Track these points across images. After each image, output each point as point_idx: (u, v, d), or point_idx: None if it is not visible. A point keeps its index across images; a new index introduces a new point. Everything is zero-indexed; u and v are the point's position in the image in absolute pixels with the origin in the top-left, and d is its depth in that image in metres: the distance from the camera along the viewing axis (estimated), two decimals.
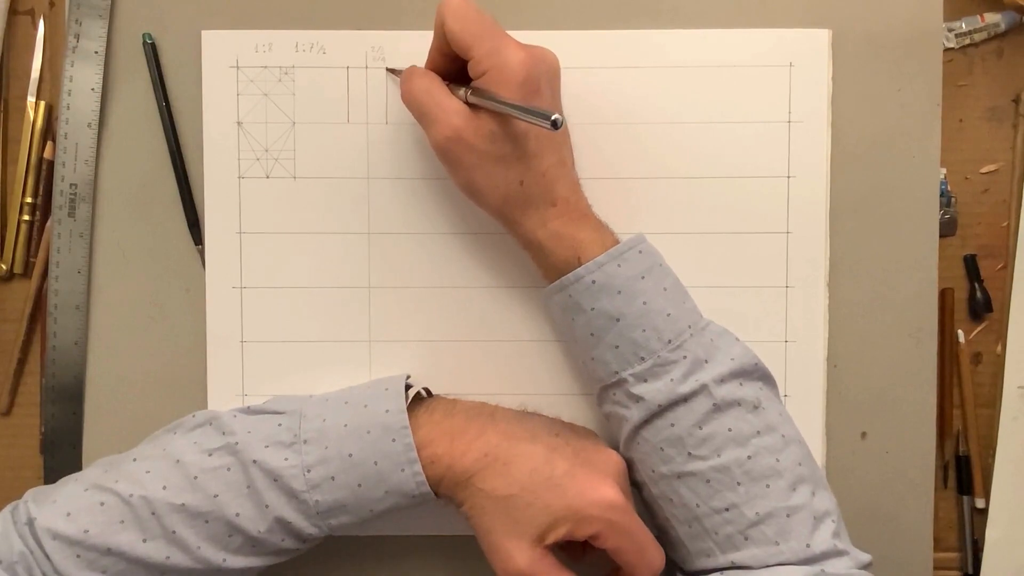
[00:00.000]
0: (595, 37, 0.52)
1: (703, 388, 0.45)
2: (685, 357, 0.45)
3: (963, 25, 0.55)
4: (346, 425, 0.46)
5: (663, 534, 0.48)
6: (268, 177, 0.53)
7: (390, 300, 0.53)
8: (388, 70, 0.52)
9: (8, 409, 0.56)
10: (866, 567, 0.44)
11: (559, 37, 0.52)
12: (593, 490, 0.45)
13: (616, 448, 0.48)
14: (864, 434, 0.54)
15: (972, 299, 0.56)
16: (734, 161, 0.53)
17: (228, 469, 0.45)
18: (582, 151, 0.52)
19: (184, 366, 0.54)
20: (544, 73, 0.46)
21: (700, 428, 0.44)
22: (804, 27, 0.53)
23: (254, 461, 0.45)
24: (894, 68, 0.53)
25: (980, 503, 0.56)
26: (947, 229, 0.55)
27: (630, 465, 0.48)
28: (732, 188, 0.53)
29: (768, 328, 0.53)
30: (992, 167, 0.56)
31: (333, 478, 0.45)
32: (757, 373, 0.46)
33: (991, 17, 0.55)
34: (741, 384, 0.45)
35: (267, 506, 0.45)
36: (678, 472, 0.45)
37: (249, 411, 0.49)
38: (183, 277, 0.54)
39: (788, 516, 0.44)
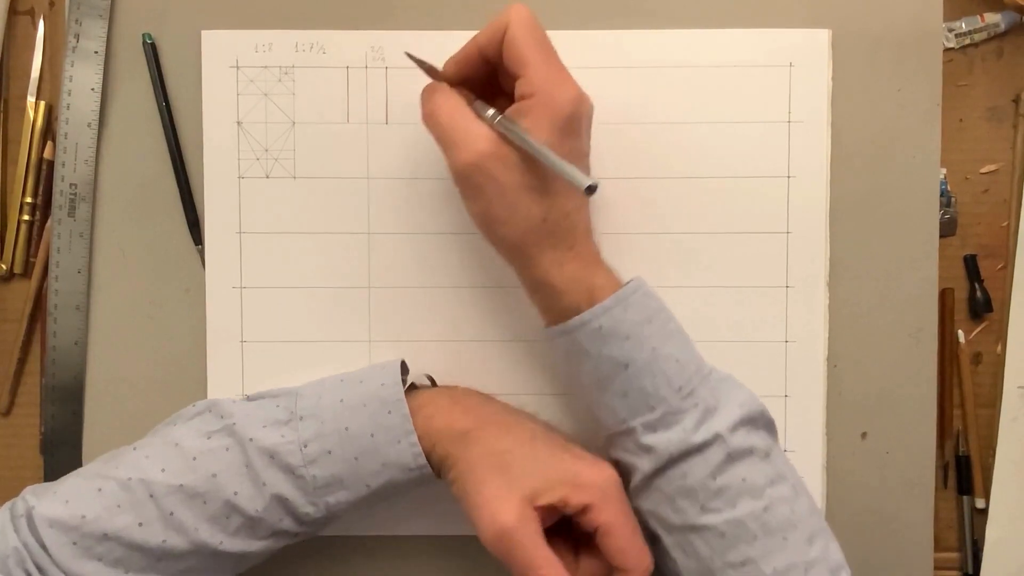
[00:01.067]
0: (595, 37, 0.52)
1: (717, 437, 0.43)
2: (696, 405, 0.44)
3: (963, 25, 0.55)
4: (342, 400, 0.46)
5: None
6: (268, 177, 0.53)
7: (390, 300, 0.53)
8: (409, 55, 0.48)
9: (8, 409, 0.56)
10: None
11: (559, 37, 0.52)
12: (592, 463, 0.45)
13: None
14: (864, 434, 0.54)
15: (972, 299, 0.56)
16: (734, 161, 0.53)
17: (227, 449, 0.46)
18: None
19: (184, 366, 0.54)
20: (586, 116, 0.45)
21: (714, 479, 0.43)
22: (804, 27, 0.53)
23: (251, 439, 0.45)
24: (894, 68, 0.53)
25: (980, 503, 0.56)
26: (947, 229, 0.55)
27: (640, 515, 0.46)
28: (732, 188, 0.53)
29: (768, 328, 0.53)
30: (992, 167, 0.56)
31: (330, 452, 0.45)
32: (763, 420, 0.45)
33: (991, 17, 0.55)
34: (751, 431, 0.44)
35: (264, 484, 0.45)
36: (692, 524, 0.43)
37: (248, 398, 0.49)
38: (183, 277, 0.54)
39: (806, 571, 0.42)
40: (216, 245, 0.53)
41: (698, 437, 0.43)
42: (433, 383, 0.51)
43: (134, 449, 0.47)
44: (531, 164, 0.43)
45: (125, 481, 0.45)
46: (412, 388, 0.48)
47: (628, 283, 0.45)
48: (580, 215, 0.45)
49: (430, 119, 0.45)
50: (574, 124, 0.44)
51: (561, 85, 0.44)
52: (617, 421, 0.45)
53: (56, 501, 0.44)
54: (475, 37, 0.45)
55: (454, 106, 0.45)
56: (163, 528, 0.44)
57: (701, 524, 0.43)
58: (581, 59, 0.52)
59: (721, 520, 0.43)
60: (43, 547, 0.43)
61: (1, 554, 0.43)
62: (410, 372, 0.50)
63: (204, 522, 0.45)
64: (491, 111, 0.44)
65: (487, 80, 0.46)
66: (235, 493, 0.45)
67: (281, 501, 0.45)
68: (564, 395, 0.53)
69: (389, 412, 0.46)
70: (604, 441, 0.47)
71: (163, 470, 0.45)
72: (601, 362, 0.44)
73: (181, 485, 0.45)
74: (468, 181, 0.44)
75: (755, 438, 0.44)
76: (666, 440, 0.43)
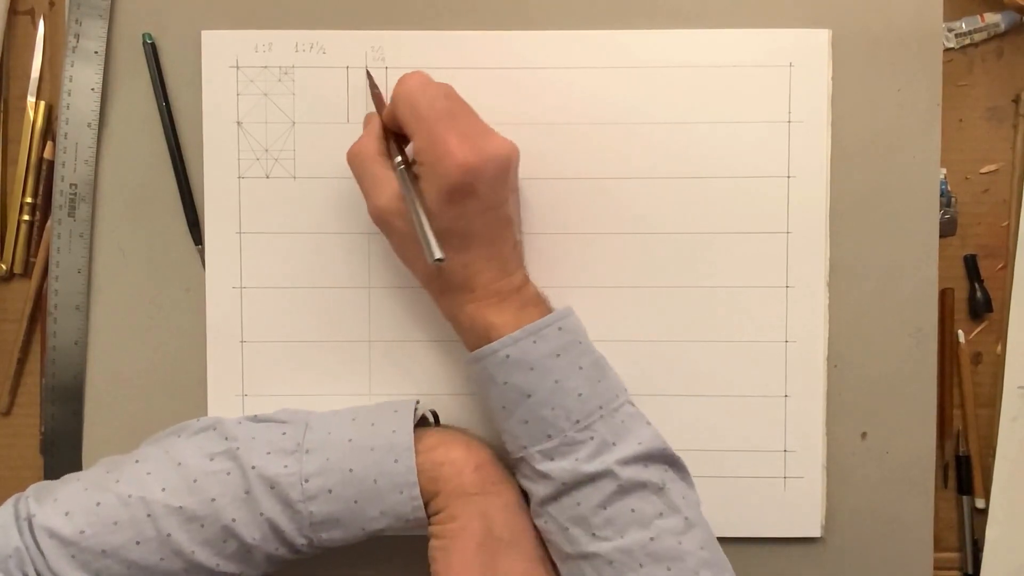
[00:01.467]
0: (595, 37, 0.52)
1: (608, 470, 0.44)
2: (592, 438, 0.45)
3: (963, 25, 0.55)
4: (351, 440, 0.46)
5: None
6: (268, 177, 0.53)
7: (390, 300, 0.53)
8: (368, 74, 0.52)
9: (8, 409, 0.56)
10: None
11: (558, 37, 0.52)
12: None
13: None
14: (864, 434, 0.54)
15: (972, 299, 0.56)
16: (734, 161, 0.53)
17: (228, 473, 0.45)
18: (582, 152, 0.52)
19: (184, 366, 0.54)
20: (486, 176, 0.45)
21: (604, 508, 0.44)
22: (804, 27, 0.53)
23: (253, 467, 0.45)
24: (894, 68, 0.53)
25: (980, 503, 0.56)
26: (947, 229, 0.55)
27: (543, 538, 0.48)
28: (732, 188, 0.53)
29: (768, 328, 0.53)
30: (992, 167, 0.56)
31: (330, 491, 0.45)
32: (662, 457, 0.46)
33: (991, 17, 0.55)
34: (646, 466, 0.45)
35: (262, 513, 0.45)
36: (582, 552, 0.45)
37: (255, 419, 0.49)
38: (183, 277, 0.54)
39: None
40: (216, 245, 0.53)
41: (590, 468, 0.44)
42: (437, 420, 0.52)
43: (136, 462, 0.47)
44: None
45: (125, 498, 0.45)
46: (423, 422, 0.49)
47: (548, 316, 0.46)
48: (482, 264, 0.47)
49: (350, 161, 0.48)
50: (464, 190, 0.45)
51: (444, 157, 0.44)
52: (518, 447, 0.47)
53: (56, 511, 0.44)
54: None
55: (370, 154, 0.47)
56: (160, 548, 0.44)
57: (591, 552, 0.44)
58: (581, 59, 0.52)
59: (610, 548, 0.44)
60: (43, 556, 0.44)
61: (3, 553, 0.43)
62: (419, 407, 0.50)
63: (201, 545, 0.45)
64: (399, 158, 0.47)
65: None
66: (233, 520, 0.45)
67: (276, 531, 0.45)
68: None
69: (396, 460, 0.46)
70: (512, 466, 0.49)
71: (163, 489, 0.45)
72: (507, 390, 0.46)
73: (180, 507, 0.45)
74: (379, 225, 0.48)
75: (649, 473, 0.45)
76: (560, 468, 0.45)
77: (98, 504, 0.45)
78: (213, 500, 0.45)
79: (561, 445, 0.45)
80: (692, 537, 0.45)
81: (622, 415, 0.46)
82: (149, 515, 0.44)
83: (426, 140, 0.45)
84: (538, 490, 0.46)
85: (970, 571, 0.56)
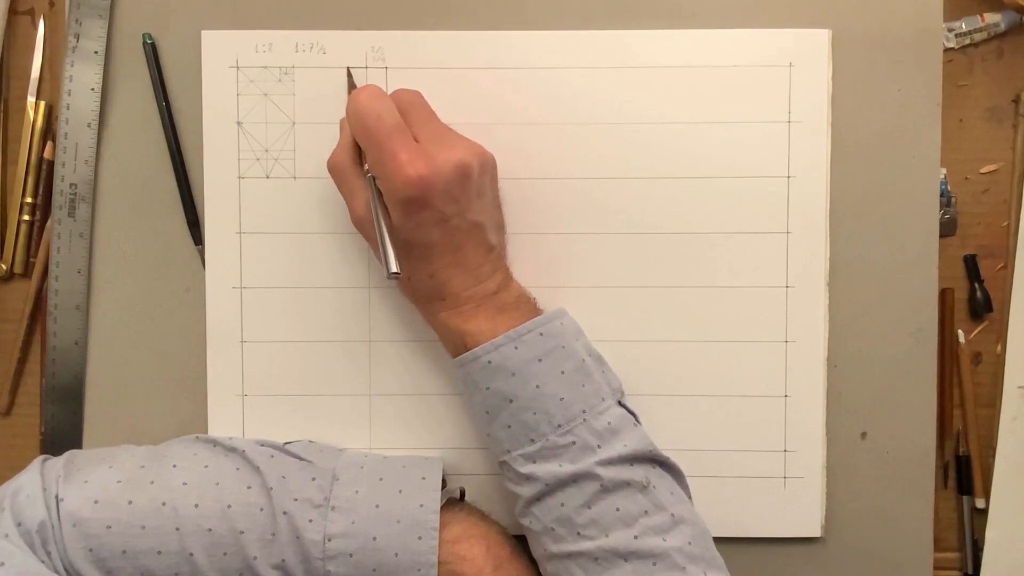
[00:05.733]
0: (594, 37, 0.52)
1: (590, 471, 0.45)
2: (574, 443, 0.45)
3: (963, 25, 0.55)
4: (378, 506, 0.46)
5: None
6: (268, 177, 0.53)
7: (390, 300, 0.53)
8: (349, 73, 0.52)
9: (8, 409, 0.56)
10: None
11: (558, 37, 0.52)
12: None
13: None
14: (864, 434, 0.54)
15: (972, 299, 0.56)
16: (734, 161, 0.52)
17: (261, 510, 0.45)
18: (582, 152, 0.52)
19: (184, 366, 0.54)
20: (442, 188, 0.45)
21: (588, 508, 0.45)
22: (804, 27, 0.53)
23: (284, 512, 0.45)
24: (894, 68, 0.53)
25: (980, 503, 0.56)
26: (947, 229, 0.55)
27: (528, 539, 0.48)
28: (732, 188, 0.53)
29: (768, 328, 0.53)
30: (992, 167, 0.56)
31: (351, 555, 0.45)
32: (648, 458, 0.46)
33: (991, 17, 0.55)
34: (631, 465, 0.45)
35: (283, 560, 0.45)
36: (568, 551, 0.45)
37: (283, 451, 0.49)
38: (183, 277, 0.54)
39: None
40: (216, 245, 0.53)
41: (572, 469, 0.45)
42: (463, 495, 0.52)
43: (174, 466, 0.47)
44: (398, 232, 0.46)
45: (159, 505, 0.45)
46: (447, 502, 0.48)
47: (532, 320, 0.47)
48: (451, 272, 0.47)
49: (329, 171, 0.49)
50: (414, 204, 0.45)
51: (394, 172, 0.45)
52: (501, 451, 0.47)
53: (85, 497, 0.44)
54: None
55: (345, 164, 0.48)
56: (178, 563, 0.44)
57: (576, 550, 0.45)
58: (581, 59, 0.52)
59: (594, 546, 0.44)
60: (63, 542, 0.44)
61: (30, 524, 0.43)
62: (446, 483, 0.50)
63: (219, 573, 0.45)
64: (366, 166, 0.47)
65: None
66: (255, 558, 0.45)
67: None
68: None
69: (419, 538, 0.46)
70: (498, 468, 0.49)
71: (196, 505, 0.45)
72: (489, 395, 0.46)
73: (210, 530, 0.45)
74: (360, 232, 0.49)
75: (633, 472, 0.45)
76: (542, 470, 0.45)
77: (130, 503, 0.45)
78: (242, 533, 0.45)
79: (543, 449, 0.45)
80: (679, 533, 0.45)
81: (608, 417, 0.46)
82: (178, 528, 0.45)
83: (376, 155, 0.45)
84: (522, 491, 0.46)
85: (970, 571, 0.56)
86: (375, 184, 0.46)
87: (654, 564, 0.44)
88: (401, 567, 0.45)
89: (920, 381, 0.53)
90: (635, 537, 0.44)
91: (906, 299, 0.53)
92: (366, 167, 0.47)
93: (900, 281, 0.53)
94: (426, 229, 0.46)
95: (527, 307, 0.48)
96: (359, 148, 0.48)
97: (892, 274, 0.53)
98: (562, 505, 0.45)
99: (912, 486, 0.53)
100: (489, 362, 0.46)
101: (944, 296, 0.55)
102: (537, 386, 0.46)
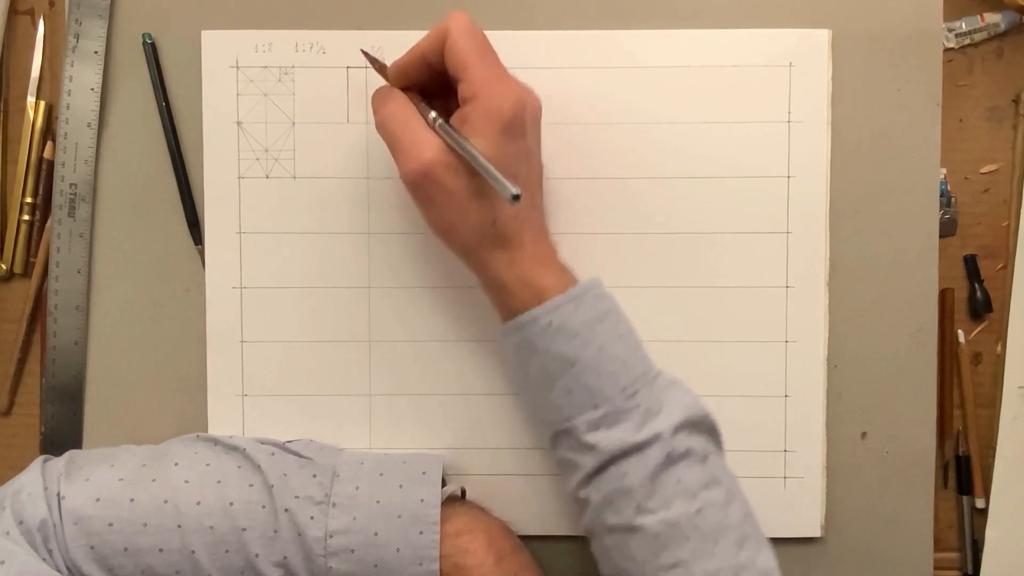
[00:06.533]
0: (594, 37, 0.52)
1: (657, 437, 0.43)
2: (639, 406, 0.44)
3: (963, 25, 0.55)
4: (379, 502, 0.46)
5: None
6: (268, 177, 0.53)
7: (390, 300, 0.53)
8: (364, 52, 0.50)
9: (8, 409, 0.56)
10: None
11: (558, 37, 0.52)
12: None
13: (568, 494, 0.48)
14: (864, 434, 0.54)
15: (972, 299, 0.56)
16: (734, 161, 0.53)
17: (263, 507, 0.45)
18: (582, 151, 0.52)
19: (184, 366, 0.54)
20: (530, 117, 0.45)
21: (651, 480, 0.43)
22: (804, 27, 0.53)
23: (286, 510, 0.45)
24: (894, 68, 0.53)
25: (980, 503, 0.56)
26: (947, 229, 0.55)
27: (580, 515, 0.47)
28: (732, 188, 0.53)
29: (768, 328, 0.53)
30: (992, 167, 0.56)
31: (353, 551, 0.45)
32: (705, 425, 0.46)
33: (991, 17, 0.55)
34: (690, 434, 0.45)
35: (285, 557, 0.45)
36: (628, 525, 0.44)
37: (284, 449, 0.49)
38: (183, 277, 0.54)
39: (735, 574, 0.43)
40: (216, 245, 0.53)
41: (639, 436, 0.43)
42: (463, 495, 0.51)
43: (175, 464, 0.47)
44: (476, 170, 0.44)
45: (160, 502, 0.45)
46: (448, 498, 0.48)
47: (583, 283, 0.46)
48: (531, 215, 0.46)
49: (381, 128, 0.46)
50: (516, 127, 0.44)
51: (501, 89, 0.44)
52: (562, 419, 0.45)
53: (87, 495, 0.45)
54: (418, 43, 0.46)
55: (404, 114, 0.45)
56: (180, 561, 0.45)
57: (637, 524, 0.43)
58: (581, 59, 0.52)
59: (655, 521, 0.43)
60: (65, 540, 0.44)
61: (31, 523, 0.43)
62: (446, 482, 0.50)
63: (220, 570, 0.45)
64: (432, 114, 0.45)
65: (436, 82, 0.47)
66: (256, 555, 0.45)
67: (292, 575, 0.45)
68: None
69: (421, 532, 0.45)
70: (549, 442, 0.48)
71: (198, 503, 0.45)
72: (549, 359, 0.45)
73: (211, 528, 0.45)
74: (419, 189, 0.45)
75: (693, 441, 0.45)
76: (608, 438, 0.44)
77: (132, 501, 0.45)
78: (243, 530, 0.45)
79: (609, 414, 0.44)
80: (734, 510, 0.44)
81: (661, 382, 0.46)
82: (180, 526, 0.45)
83: (483, 74, 0.44)
84: (584, 462, 0.45)
85: (970, 571, 0.56)
86: (445, 125, 0.44)
87: (716, 543, 0.43)
88: (403, 562, 0.45)
89: (920, 381, 0.53)
90: (697, 511, 0.43)
91: (906, 299, 0.53)
92: (432, 116, 0.44)
93: (900, 281, 0.53)
94: (520, 160, 0.44)
95: (572, 273, 0.47)
96: (416, 100, 0.46)
97: (892, 274, 0.53)
98: (624, 476, 0.44)
99: (912, 486, 0.53)
100: (550, 323, 0.44)
101: (944, 296, 0.55)
102: (600, 348, 0.44)
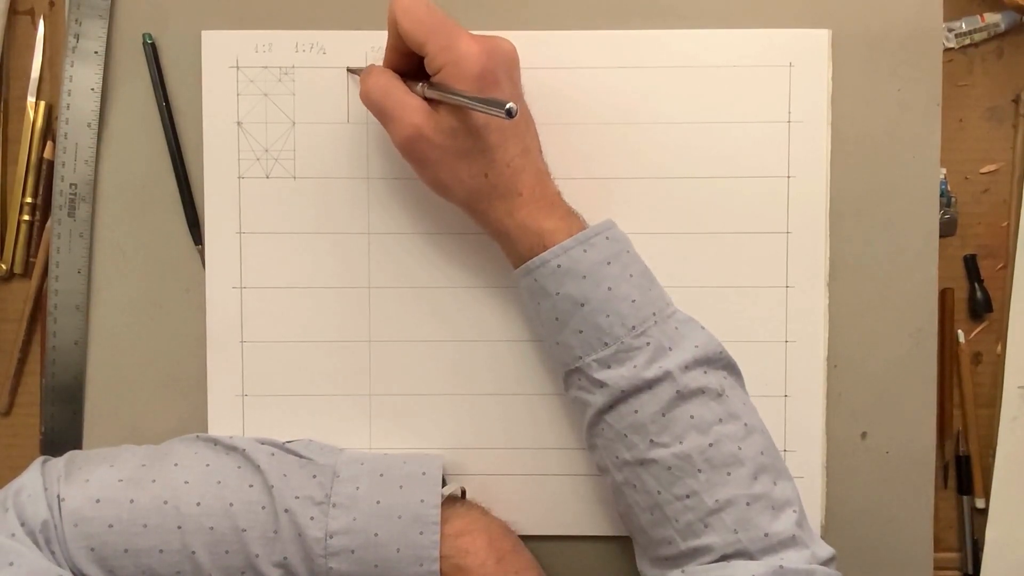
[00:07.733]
0: (594, 37, 0.52)
1: (667, 375, 0.44)
2: (648, 344, 0.45)
3: (963, 25, 0.55)
4: (379, 502, 0.46)
5: (627, 521, 0.48)
6: (268, 177, 0.53)
7: (390, 300, 0.53)
8: (349, 70, 0.52)
9: (8, 409, 0.56)
10: (827, 562, 0.44)
11: (558, 37, 0.52)
12: None
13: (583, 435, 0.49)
14: (864, 434, 0.54)
15: (972, 299, 0.56)
16: (734, 161, 0.53)
17: (263, 508, 0.45)
18: (582, 151, 0.52)
19: (184, 366, 0.54)
20: (501, 64, 0.46)
21: (663, 415, 0.44)
22: (804, 27, 0.53)
23: (286, 510, 0.45)
24: (894, 68, 0.53)
25: (980, 503, 0.56)
26: (947, 229, 0.55)
27: (594, 453, 0.48)
28: (732, 188, 0.53)
29: (768, 328, 0.53)
30: (992, 167, 0.56)
31: (353, 551, 0.45)
32: (721, 362, 0.47)
33: (991, 17, 0.55)
34: (705, 372, 0.45)
35: (285, 557, 0.45)
36: (640, 459, 0.45)
37: (284, 449, 0.49)
38: (183, 277, 0.54)
39: (748, 504, 0.44)
40: (216, 245, 0.53)
41: (649, 373, 0.44)
42: (464, 495, 0.51)
43: (175, 465, 0.47)
44: (466, 125, 0.45)
45: (160, 503, 0.45)
46: (448, 498, 0.48)
47: (593, 225, 0.47)
48: (524, 161, 0.47)
49: (366, 98, 0.47)
50: (489, 77, 0.45)
51: (459, 51, 0.45)
52: (573, 358, 0.46)
53: (87, 496, 0.45)
54: (387, 40, 0.47)
55: (387, 81, 0.47)
56: (180, 562, 0.45)
57: (650, 458, 0.44)
58: (581, 59, 0.52)
59: (668, 454, 0.44)
60: (65, 541, 0.44)
61: (32, 523, 0.44)
62: (446, 482, 0.50)
63: (220, 570, 0.45)
64: (419, 84, 0.46)
65: (420, 69, 0.47)
66: (256, 555, 0.45)
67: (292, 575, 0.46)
68: (563, 394, 0.53)
69: (421, 532, 0.46)
70: (563, 382, 0.49)
71: (198, 504, 0.45)
72: (559, 300, 0.46)
73: (211, 528, 0.45)
74: (411, 153, 0.47)
75: (708, 379, 0.45)
76: (617, 375, 0.45)
77: (132, 502, 0.45)
78: (244, 531, 0.45)
79: (618, 352, 0.45)
80: (752, 443, 0.45)
81: (675, 320, 0.46)
82: (180, 527, 0.45)
83: (441, 39, 0.45)
84: (595, 400, 0.46)
85: (970, 571, 0.56)
86: (430, 85, 0.46)
87: (728, 475, 0.44)
88: (403, 562, 0.45)
89: (920, 381, 0.53)
90: (710, 445, 0.44)
91: (906, 299, 0.53)
92: (419, 86, 0.46)
93: (900, 281, 0.53)
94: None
95: (581, 216, 0.48)
96: (396, 69, 0.48)
97: (892, 274, 0.53)
98: (636, 412, 0.45)
99: (912, 486, 0.53)
100: (559, 266, 0.45)
101: (944, 296, 0.55)
102: (609, 288, 0.45)
